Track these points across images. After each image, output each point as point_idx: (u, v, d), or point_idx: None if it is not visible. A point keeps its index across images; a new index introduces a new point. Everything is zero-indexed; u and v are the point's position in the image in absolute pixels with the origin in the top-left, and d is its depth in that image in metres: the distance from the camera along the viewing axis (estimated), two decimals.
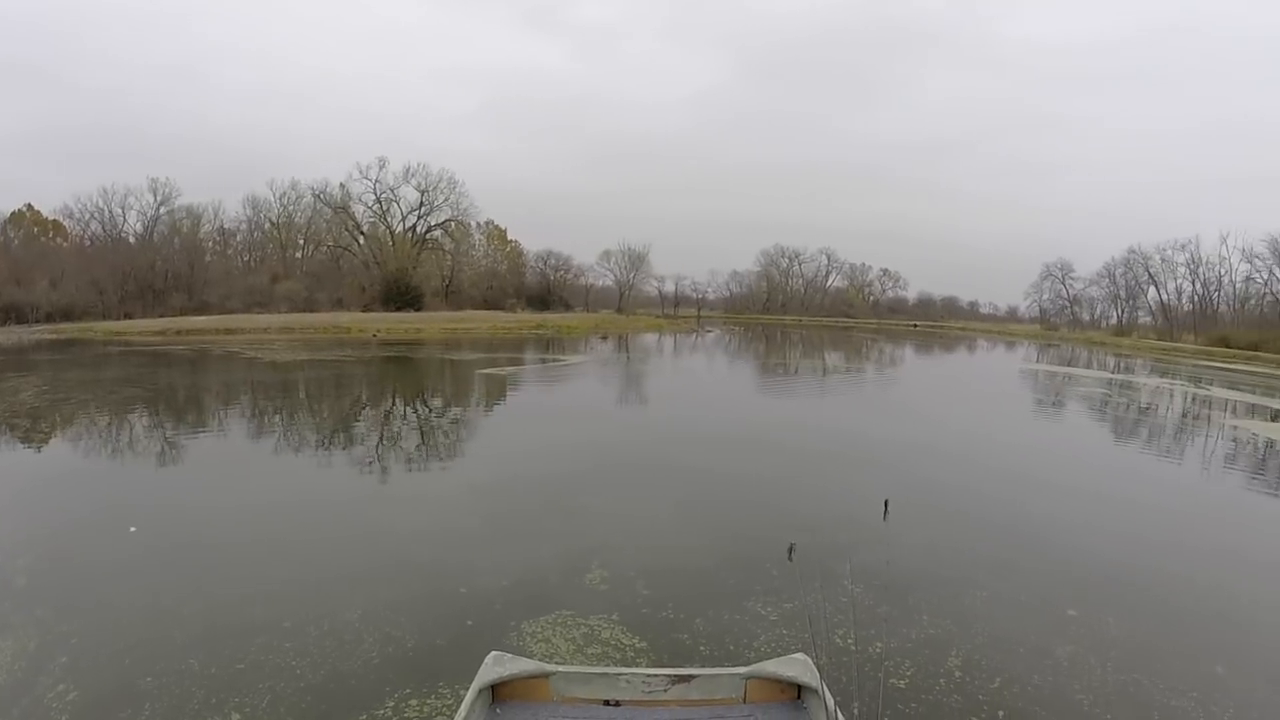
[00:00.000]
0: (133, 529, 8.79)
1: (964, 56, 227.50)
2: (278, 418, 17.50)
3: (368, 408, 19.96)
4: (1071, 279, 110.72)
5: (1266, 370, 49.78)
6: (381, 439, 15.26)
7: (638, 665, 5.55)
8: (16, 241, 65.79)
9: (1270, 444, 20.07)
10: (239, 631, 6.15)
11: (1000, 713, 5.46)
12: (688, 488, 11.82)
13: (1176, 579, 8.76)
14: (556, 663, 4.86)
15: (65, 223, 72.03)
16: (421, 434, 16.32)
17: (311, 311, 62.10)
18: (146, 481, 11.68)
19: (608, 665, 5.42)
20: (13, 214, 69.51)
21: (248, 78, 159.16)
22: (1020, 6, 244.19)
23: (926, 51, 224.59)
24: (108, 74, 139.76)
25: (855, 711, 4.37)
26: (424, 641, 6.13)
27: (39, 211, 72.64)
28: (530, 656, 5.13)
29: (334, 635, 6.14)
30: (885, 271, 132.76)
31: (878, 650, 6.14)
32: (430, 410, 19.75)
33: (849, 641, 6.03)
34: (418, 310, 70.65)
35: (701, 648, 6.22)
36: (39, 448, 13.84)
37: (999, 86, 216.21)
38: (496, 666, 4.15)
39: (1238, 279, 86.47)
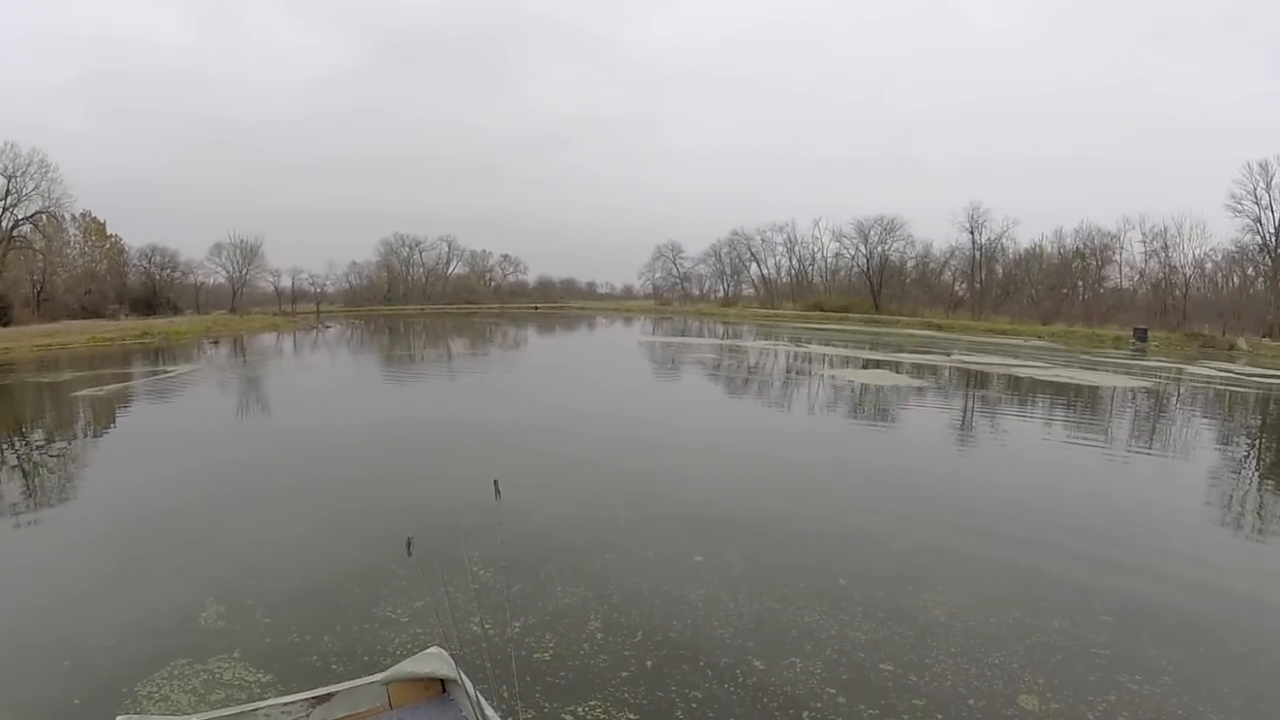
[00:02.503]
0: None
1: (582, 55, 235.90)
2: None
3: None
4: (682, 258, 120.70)
5: (856, 328, 56.85)
6: None
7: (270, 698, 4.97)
8: None
9: (863, 387, 22.62)
10: None
11: (648, 662, 5.52)
12: (306, 501, 10.94)
13: (787, 515, 9.46)
14: (186, 714, 4.41)
15: None
16: (12, 481, 13.89)
17: None
18: None
19: (242, 704, 4.86)
20: None
21: None
22: (642, 12, 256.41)
23: (546, 49, 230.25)
24: None
25: (505, 694, 4.31)
26: None
27: None
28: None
29: None
30: (506, 257, 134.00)
31: (516, 630, 5.97)
32: (22, 450, 17.00)
33: (486, 626, 5.80)
34: (5, 325, 58.65)
35: (334, 665, 5.69)
36: None
37: (615, 84, 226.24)
38: None
39: (829, 255, 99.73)
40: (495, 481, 4.13)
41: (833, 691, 5.14)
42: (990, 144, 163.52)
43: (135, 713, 4.97)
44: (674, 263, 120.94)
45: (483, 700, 3.64)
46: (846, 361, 30.80)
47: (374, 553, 8.23)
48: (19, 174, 66.96)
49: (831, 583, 6.94)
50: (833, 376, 25.61)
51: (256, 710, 3.89)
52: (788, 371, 28.71)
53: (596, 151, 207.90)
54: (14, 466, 14.66)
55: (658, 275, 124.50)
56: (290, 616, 6.69)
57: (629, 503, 10.02)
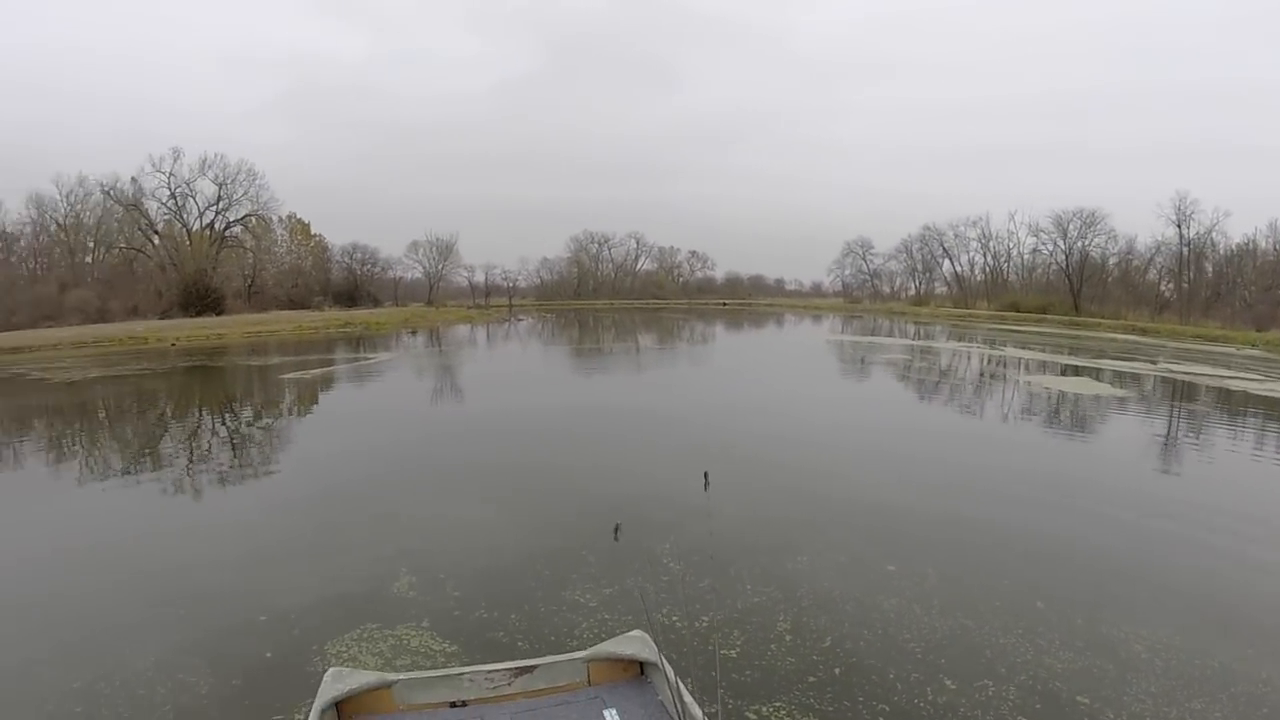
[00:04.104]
0: None
1: (752, 49, 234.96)
2: (70, 445, 15.76)
3: (165, 427, 18.23)
4: (871, 254, 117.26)
5: (1054, 330, 53.82)
6: (183, 462, 13.79)
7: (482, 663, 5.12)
8: None
9: (1060, 395, 21.37)
10: (25, 702, 5.27)
11: (836, 669, 5.37)
12: (503, 483, 11.26)
13: (986, 526, 9.01)
14: (400, 670, 4.61)
15: None
16: (224, 452, 14.93)
17: (105, 322, 56.15)
18: None
19: (450, 667, 5.04)
20: None
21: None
22: (811, 3, 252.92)
23: (716, 45, 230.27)
24: None
25: (691, 685, 4.19)
26: (220, 685, 5.41)
27: None
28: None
29: (126, 691, 5.32)
30: (694, 253, 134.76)
31: (704, 624, 5.90)
32: (232, 424, 18.22)
33: (675, 619, 5.78)
34: (219, 314, 64.47)
35: (520, 643, 5.83)
36: None
37: (788, 76, 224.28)
38: (336, 683, 3.88)
39: (1025, 250, 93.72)
40: (705, 474, 4.07)
41: None
42: (1197, 128, 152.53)
43: (315, 674, 5.18)
44: (864, 259, 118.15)
45: (682, 687, 3.61)
46: (1043, 367, 29.22)
47: (568, 538, 8.40)
48: (229, 181, 76.29)
49: (1028, 604, 6.54)
50: (1029, 383, 24.32)
51: (462, 674, 4.01)
52: (981, 376, 27.50)
53: (774, 145, 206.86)
54: (224, 439, 15.83)
55: (847, 272, 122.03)
56: (479, 592, 6.89)
57: (817, 505, 9.82)
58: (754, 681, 5.20)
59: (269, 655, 5.82)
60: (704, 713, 3.56)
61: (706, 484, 3.97)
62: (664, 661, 3.81)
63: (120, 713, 5.08)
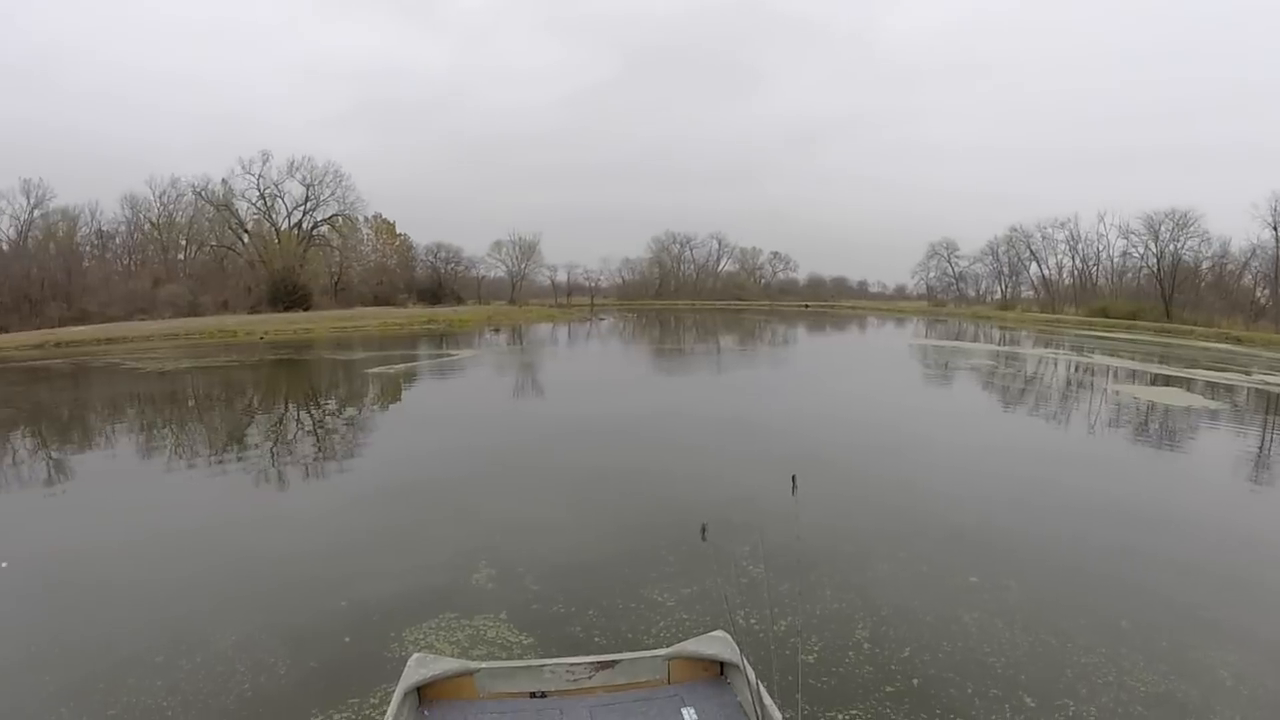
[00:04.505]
0: (3, 564, 7.92)
1: (833, 51, 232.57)
2: (161, 433, 16.33)
3: (255, 417, 18.78)
4: (956, 257, 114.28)
5: (1144, 338, 52.09)
6: (268, 450, 14.19)
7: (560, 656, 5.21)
8: None
9: (1150, 406, 20.72)
10: (106, 674, 5.49)
11: (914, 680, 5.33)
12: (585, 484, 11.37)
13: (1070, 541, 8.76)
14: (480, 660, 4.74)
15: None
16: (308, 442, 15.34)
17: (196, 316, 58.16)
18: (17, 514, 10.30)
19: (531, 658, 5.23)
20: None
21: (105, 79, 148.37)
22: (893, 3, 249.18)
23: (796, 48, 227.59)
24: None
25: (769, 688, 4.21)
26: (297, 665, 5.61)
27: None
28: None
29: (206, 667, 5.54)
30: (776, 254, 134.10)
31: (782, 628, 5.86)
32: (319, 416, 18.69)
33: (752, 621, 5.79)
34: (306, 310, 66.78)
35: (597, 638, 5.91)
36: None
37: (870, 78, 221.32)
38: (420, 668, 4.00)
39: (1115, 254, 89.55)
40: (794, 477, 4.07)
41: None
42: None
43: (393, 660, 5.41)
44: (948, 261, 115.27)
45: (763, 689, 3.63)
46: (1133, 376, 28.27)
47: (643, 538, 8.49)
48: (316, 183, 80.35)
49: (1112, 624, 6.35)
50: (1116, 392, 23.60)
51: (544, 666, 4.09)
52: (1068, 384, 26.79)
53: (856, 147, 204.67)
54: (309, 430, 16.26)
55: (931, 274, 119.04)
56: (557, 587, 6.99)
57: (898, 515, 9.67)
58: (831, 689, 5.19)
59: (347, 640, 6.01)
60: (783, 717, 3.54)
61: (794, 488, 3.97)
62: (745, 663, 3.79)
63: (200, 687, 5.29)
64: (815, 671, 5.34)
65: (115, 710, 5.00)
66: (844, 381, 26.80)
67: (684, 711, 3.81)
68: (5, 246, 63.13)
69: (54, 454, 13.94)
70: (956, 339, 50.89)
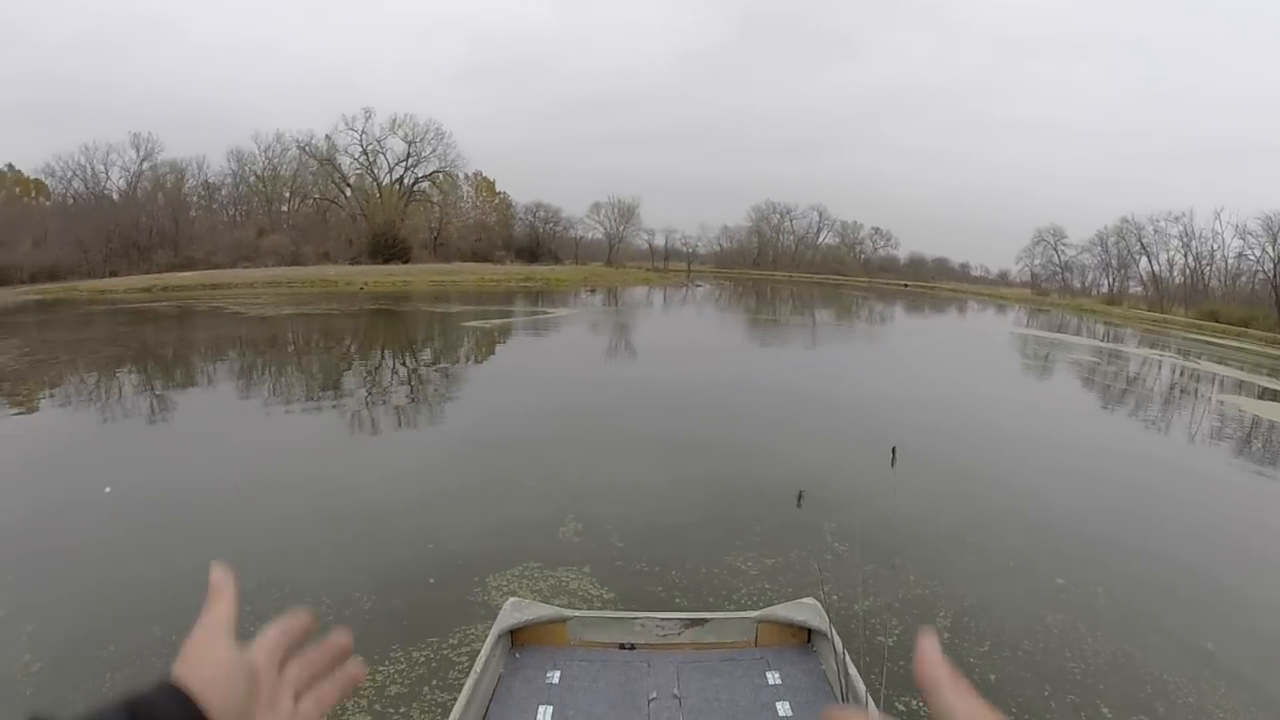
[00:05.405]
0: (108, 489, 8.41)
1: (944, 20, 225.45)
2: (262, 375, 17.01)
3: (351, 364, 19.37)
4: (1064, 245, 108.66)
5: (1255, 347, 49.80)
6: (362, 396, 14.67)
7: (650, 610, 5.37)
8: None
9: (1256, 420, 19.93)
10: (192, 599, 5.79)
11: (992, 676, 5.35)
12: (677, 450, 11.40)
13: (1162, 556, 8.51)
14: (574, 608, 4.82)
15: (48, 182, 68.19)
16: (402, 391, 15.78)
17: (298, 265, 59.78)
18: (125, 445, 10.87)
19: (624, 610, 5.38)
20: None
21: (223, 26, 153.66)
22: None
23: (907, 14, 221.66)
24: (71, 24, 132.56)
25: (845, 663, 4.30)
26: (381, 602, 5.90)
27: (20, 172, 69.18)
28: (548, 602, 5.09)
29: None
30: (877, 230, 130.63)
31: (865, 607, 5.94)
32: (413, 366, 19.17)
33: (835, 597, 5.83)
34: (405, 263, 68.12)
35: (678, 599, 6.06)
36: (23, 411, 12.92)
37: (973, 51, 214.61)
38: (515, 612, 4.15)
39: (1230, 254, 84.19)
40: (894, 449, 4.11)
41: None
42: None
43: (476, 603, 5.69)
44: (1055, 249, 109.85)
45: (849, 659, 3.66)
46: (1239, 387, 27.18)
47: (732, 508, 8.57)
48: (418, 140, 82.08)
49: (1197, 644, 6.20)
50: (1221, 402, 22.73)
51: (635, 619, 4.18)
52: (1170, 389, 25.90)
53: (959, 123, 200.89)
54: (404, 380, 16.67)
55: (1036, 262, 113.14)
56: (642, 546, 7.14)
57: (989, 508, 9.56)
58: (906, 673, 5.15)
59: (432, 581, 6.26)
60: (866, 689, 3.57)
61: (894, 460, 4.00)
62: (833, 632, 3.85)
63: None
64: (893, 654, 5.30)
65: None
66: (941, 367, 26.31)
67: (768, 674, 3.86)
68: (116, 196, 65.91)
69: (157, 390, 14.64)
70: (1058, 331, 49.37)
